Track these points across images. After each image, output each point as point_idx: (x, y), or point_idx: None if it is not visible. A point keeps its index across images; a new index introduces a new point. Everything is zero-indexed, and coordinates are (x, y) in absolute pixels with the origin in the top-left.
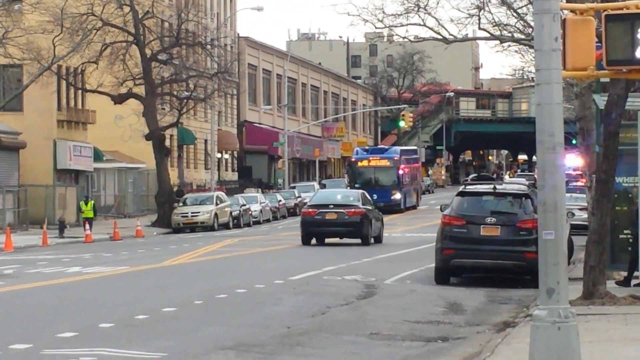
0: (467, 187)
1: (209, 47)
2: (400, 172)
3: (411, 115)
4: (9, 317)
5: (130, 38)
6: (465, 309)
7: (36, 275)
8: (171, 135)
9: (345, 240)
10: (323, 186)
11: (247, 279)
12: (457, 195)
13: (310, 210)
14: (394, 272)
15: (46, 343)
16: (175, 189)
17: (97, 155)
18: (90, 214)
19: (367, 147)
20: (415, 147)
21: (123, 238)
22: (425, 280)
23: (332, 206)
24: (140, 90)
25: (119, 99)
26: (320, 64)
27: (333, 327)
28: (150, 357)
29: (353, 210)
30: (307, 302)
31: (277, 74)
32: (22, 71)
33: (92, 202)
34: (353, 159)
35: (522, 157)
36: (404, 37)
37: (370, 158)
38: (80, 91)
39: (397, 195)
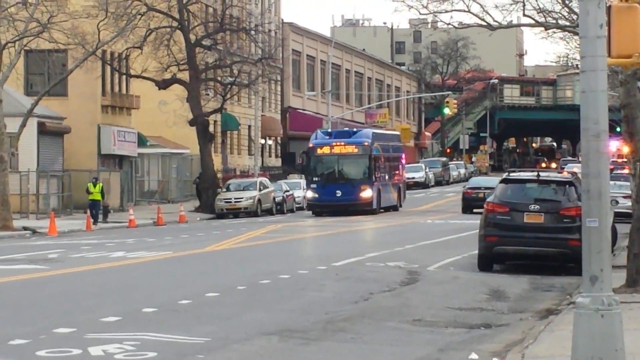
0: (511, 174)
1: (253, 32)
2: (373, 161)
3: (455, 102)
4: (53, 301)
5: (175, 23)
6: (508, 296)
7: (80, 260)
8: (215, 121)
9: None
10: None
11: (290, 265)
12: (501, 182)
13: (468, 190)
14: (437, 259)
15: (90, 327)
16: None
17: (141, 141)
18: (98, 197)
19: (329, 130)
20: (396, 132)
21: (167, 223)
22: (468, 267)
23: (482, 187)
24: (185, 75)
25: (163, 85)
26: (364, 50)
27: (376, 313)
28: (193, 342)
29: None
30: (349, 289)
31: (321, 60)
32: (66, 56)
33: (101, 184)
34: (311, 145)
35: (547, 144)
36: (449, 24)
37: (333, 143)
38: (124, 76)
39: (367, 192)
